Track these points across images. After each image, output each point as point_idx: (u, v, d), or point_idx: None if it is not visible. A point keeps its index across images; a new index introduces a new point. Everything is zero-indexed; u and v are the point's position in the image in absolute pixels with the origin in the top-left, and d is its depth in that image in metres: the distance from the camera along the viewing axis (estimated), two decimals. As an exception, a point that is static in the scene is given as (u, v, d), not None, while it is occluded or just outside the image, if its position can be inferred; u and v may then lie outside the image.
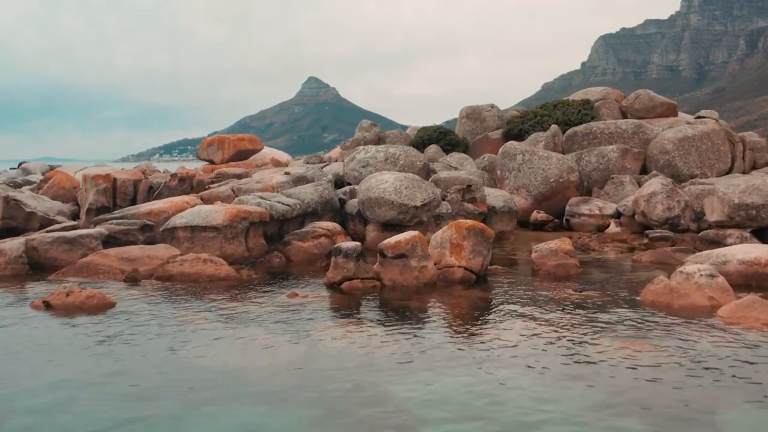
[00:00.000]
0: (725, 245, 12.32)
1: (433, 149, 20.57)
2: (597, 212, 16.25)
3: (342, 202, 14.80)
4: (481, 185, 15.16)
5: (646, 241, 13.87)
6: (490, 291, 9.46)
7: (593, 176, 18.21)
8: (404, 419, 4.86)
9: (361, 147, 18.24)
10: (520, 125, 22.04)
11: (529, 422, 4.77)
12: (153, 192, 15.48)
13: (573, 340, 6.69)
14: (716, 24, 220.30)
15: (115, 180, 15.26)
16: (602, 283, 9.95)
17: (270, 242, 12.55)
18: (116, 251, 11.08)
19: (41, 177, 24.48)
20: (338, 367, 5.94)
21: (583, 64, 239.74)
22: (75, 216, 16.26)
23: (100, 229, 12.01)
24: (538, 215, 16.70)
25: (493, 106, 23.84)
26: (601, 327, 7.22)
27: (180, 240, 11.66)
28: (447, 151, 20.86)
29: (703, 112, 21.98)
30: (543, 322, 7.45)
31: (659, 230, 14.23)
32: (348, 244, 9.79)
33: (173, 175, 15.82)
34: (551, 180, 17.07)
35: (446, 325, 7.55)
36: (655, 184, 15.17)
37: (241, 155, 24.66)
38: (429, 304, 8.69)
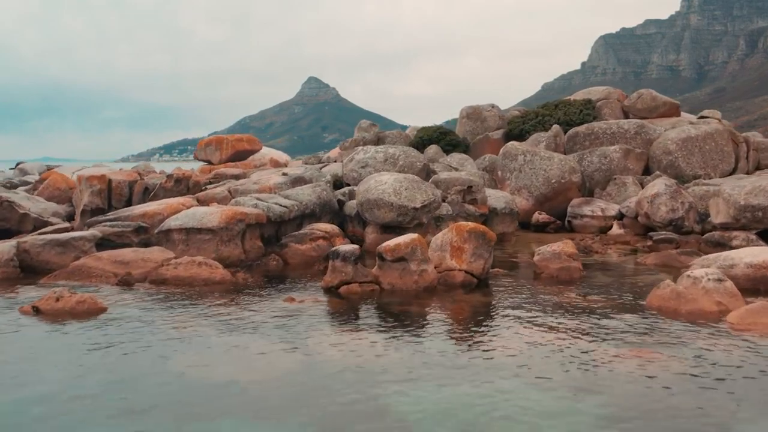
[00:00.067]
0: (731, 247, 12.11)
1: (433, 150, 20.34)
2: (599, 213, 16.02)
3: (341, 203, 14.57)
4: (482, 186, 14.93)
5: (649, 243, 13.64)
6: (491, 295, 9.23)
7: (595, 177, 17.98)
8: (404, 434, 4.63)
9: (360, 147, 18.00)
10: (521, 125, 21.81)
11: (535, 438, 4.54)
12: (149, 193, 15.24)
13: (579, 348, 6.45)
14: (716, 24, 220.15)
15: (110, 181, 15.02)
16: (606, 287, 9.71)
17: (267, 244, 12.32)
18: (109, 254, 10.84)
19: (38, 177, 24.23)
20: (335, 379, 5.70)
21: (583, 64, 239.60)
22: (70, 217, 16.02)
23: (94, 232, 11.77)
24: (539, 217, 16.47)
25: (493, 106, 23.61)
26: (608, 334, 6.99)
27: (175, 242, 11.43)
28: (447, 152, 20.64)
29: (705, 112, 21.74)
30: (547, 329, 7.21)
31: (663, 232, 14.00)
32: (346, 247, 9.56)
33: (169, 176, 15.59)
34: (553, 181, 16.84)
35: (447, 331, 7.31)
36: (659, 185, 14.94)
37: (240, 156, 24.45)
38: (429, 310, 8.46)
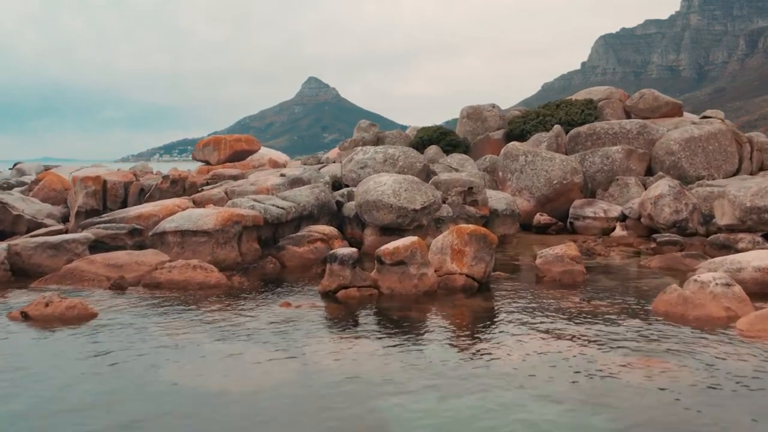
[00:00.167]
0: (736, 250, 11.89)
1: (433, 150, 20.12)
2: (602, 215, 15.80)
3: (339, 204, 14.34)
4: (482, 187, 14.70)
5: (653, 245, 13.42)
6: (493, 300, 9.00)
7: (597, 178, 17.76)
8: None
9: (359, 148, 17.76)
10: (522, 125, 21.59)
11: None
12: (144, 194, 15.01)
13: (586, 357, 6.22)
14: (716, 24, 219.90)
15: (105, 182, 14.78)
16: (611, 291, 9.49)
17: (264, 247, 12.09)
18: (103, 257, 10.60)
19: (35, 178, 23.99)
20: (331, 390, 5.47)
21: (583, 64, 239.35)
22: (66, 219, 15.80)
23: (87, 234, 11.53)
24: (541, 218, 16.25)
25: (494, 106, 23.39)
26: (614, 341, 6.76)
27: (170, 245, 11.19)
28: (447, 152, 20.41)
29: (708, 112, 21.53)
30: (551, 336, 6.98)
31: (667, 234, 13.77)
32: (344, 251, 9.32)
33: (165, 177, 15.35)
34: (554, 182, 16.62)
35: (448, 339, 7.08)
36: (662, 186, 14.72)
37: (238, 156, 24.22)
38: (429, 315, 8.22)
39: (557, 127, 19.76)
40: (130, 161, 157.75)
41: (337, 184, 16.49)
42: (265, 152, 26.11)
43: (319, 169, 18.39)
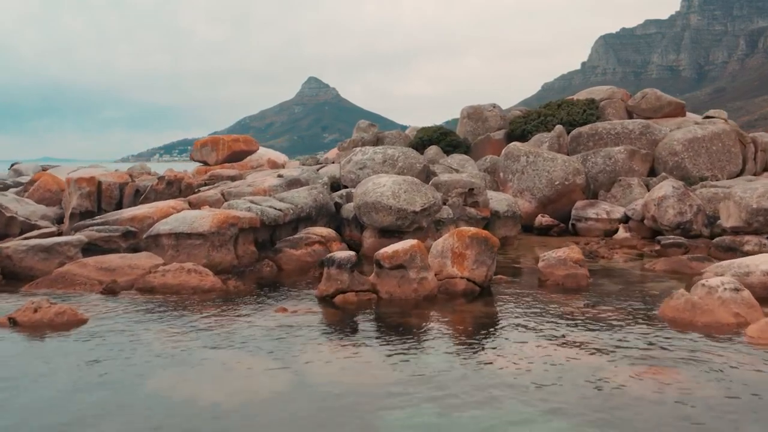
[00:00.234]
0: (742, 252, 11.66)
1: (433, 150, 19.88)
2: (604, 216, 15.56)
3: (338, 206, 14.10)
4: (483, 188, 14.45)
5: (657, 247, 13.17)
6: (495, 305, 8.76)
7: (599, 178, 17.52)
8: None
9: (358, 148, 17.51)
10: (523, 125, 21.35)
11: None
12: (140, 196, 14.76)
13: (593, 367, 5.97)
14: (716, 24, 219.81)
15: (99, 183, 14.53)
16: (615, 295, 9.25)
17: (261, 249, 11.85)
18: (95, 260, 10.36)
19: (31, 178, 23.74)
20: (327, 402, 5.23)
21: (583, 64, 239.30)
22: (61, 220, 15.55)
23: (80, 236, 11.28)
24: (542, 219, 16.01)
25: (495, 106, 23.15)
26: (622, 349, 6.52)
27: (164, 248, 10.95)
28: (448, 153, 20.18)
29: (711, 112, 21.28)
30: (557, 344, 6.74)
31: (671, 236, 13.53)
32: (341, 254, 9.08)
33: (161, 178, 15.10)
34: (556, 182, 16.38)
35: (449, 347, 6.83)
36: (666, 187, 14.48)
37: (236, 156, 23.96)
38: (429, 321, 7.98)
39: (559, 128, 19.52)
40: (130, 161, 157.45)
41: (335, 185, 16.25)
42: (264, 152, 25.84)
43: (318, 169, 18.15)
